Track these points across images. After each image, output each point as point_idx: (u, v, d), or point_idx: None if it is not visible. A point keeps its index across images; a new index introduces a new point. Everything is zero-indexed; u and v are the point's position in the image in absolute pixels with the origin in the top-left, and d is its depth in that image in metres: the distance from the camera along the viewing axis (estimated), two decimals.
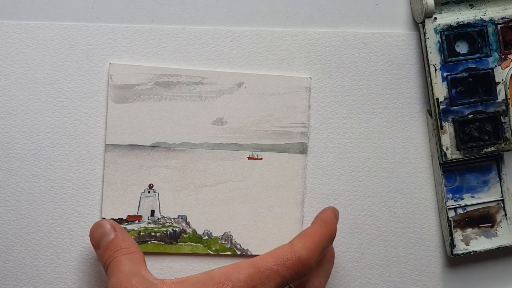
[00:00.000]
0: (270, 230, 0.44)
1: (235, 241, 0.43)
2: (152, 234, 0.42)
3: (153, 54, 0.43)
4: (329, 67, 0.45)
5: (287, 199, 0.44)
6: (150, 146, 0.42)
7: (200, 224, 0.43)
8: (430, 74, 0.45)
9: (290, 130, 0.44)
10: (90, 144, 0.42)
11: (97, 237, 0.39)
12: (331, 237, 0.39)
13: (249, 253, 0.43)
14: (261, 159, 0.43)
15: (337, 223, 0.41)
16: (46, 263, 0.42)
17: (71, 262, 0.42)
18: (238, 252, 0.43)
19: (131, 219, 0.42)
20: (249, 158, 0.43)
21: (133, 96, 0.42)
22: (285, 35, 0.45)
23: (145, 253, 0.41)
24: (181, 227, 0.43)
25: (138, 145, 0.42)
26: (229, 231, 0.43)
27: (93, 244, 0.39)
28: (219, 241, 0.43)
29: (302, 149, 0.44)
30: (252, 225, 0.43)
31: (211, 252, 0.43)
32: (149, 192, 0.42)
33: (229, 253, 0.43)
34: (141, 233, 0.42)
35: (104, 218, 0.41)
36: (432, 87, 0.45)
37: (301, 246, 0.37)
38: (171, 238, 0.43)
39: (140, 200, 0.42)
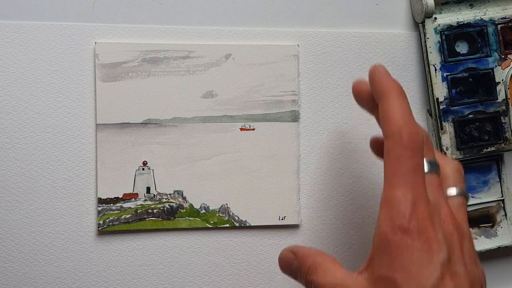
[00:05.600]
0: (267, 200, 0.44)
1: (233, 213, 0.43)
2: (149, 211, 0.42)
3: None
4: (329, 67, 0.45)
5: (282, 168, 0.44)
6: (141, 123, 0.42)
7: (196, 198, 0.43)
8: (430, 74, 0.45)
9: (281, 99, 0.44)
10: (89, 144, 0.42)
11: (288, 273, 0.37)
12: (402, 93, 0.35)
13: (247, 225, 0.44)
14: (253, 129, 0.44)
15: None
16: (46, 263, 0.42)
17: (71, 262, 0.42)
18: (236, 224, 0.43)
19: (127, 197, 0.42)
20: (241, 129, 0.43)
21: (120, 74, 0.42)
22: (285, 35, 0.45)
23: (143, 230, 0.42)
24: (177, 203, 0.43)
25: (129, 123, 0.42)
26: (226, 204, 0.43)
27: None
28: (217, 214, 0.43)
29: (294, 117, 0.44)
30: (248, 196, 0.44)
31: (209, 226, 0.43)
32: (143, 169, 0.42)
33: (227, 225, 0.43)
34: (138, 211, 0.42)
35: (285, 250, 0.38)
36: (432, 87, 0.45)
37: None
38: (168, 214, 0.43)
39: (135, 178, 0.42)
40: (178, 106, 0.42)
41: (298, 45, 0.44)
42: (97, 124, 0.42)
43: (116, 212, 0.42)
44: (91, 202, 0.42)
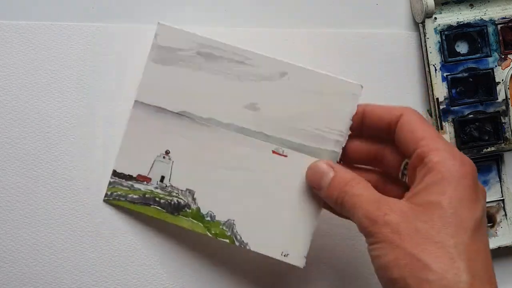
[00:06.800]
0: (275, 231, 0.41)
1: (236, 231, 0.41)
2: (157, 199, 0.42)
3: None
4: (329, 67, 0.45)
5: (302, 204, 0.41)
6: (176, 113, 0.41)
7: (205, 204, 0.42)
8: (430, 74, 0.45)
9: (324, 135, 0.41)
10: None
11: (315, 180, 0.40)
12: None
13: (247, 248, 0.41)
14: (285, 156, 0.41)
15: None
16: (46, 263, 0.42)
17: (71, 262, 0.42)
18: (237, 243, 0.41)
19: (141, 179, 0.42)
20: (273, 152, 0.41)
21: (172, 59, 0.41)
22: (285, 35, 0.45)
23: (146, 216, 0.42)
24: (186, 201, 0.42)
25: (165, 109, 0.41)
26: (233, 220, 0.41)
27: (313, 187, 0.40)
28: (221, 227, 0.42)
29: (332, 159, 0.41)
30: (258, 220, 0.41)
31: (209, 235, 0.42)
32: (164, 157, 0.41)
33: (227, 241, 0.42)
34: (146, 195, 0.42)
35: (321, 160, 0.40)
36: (432, 87, 0.45)
37: None
38: (173, 209, 0.42)
39: (153, 163, 0.41)
40: (217, 108, 0.41)
41: (361, 86, 0.41)
42: (135, 101, 0.41)
43: (125, 189, 0.42)
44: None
